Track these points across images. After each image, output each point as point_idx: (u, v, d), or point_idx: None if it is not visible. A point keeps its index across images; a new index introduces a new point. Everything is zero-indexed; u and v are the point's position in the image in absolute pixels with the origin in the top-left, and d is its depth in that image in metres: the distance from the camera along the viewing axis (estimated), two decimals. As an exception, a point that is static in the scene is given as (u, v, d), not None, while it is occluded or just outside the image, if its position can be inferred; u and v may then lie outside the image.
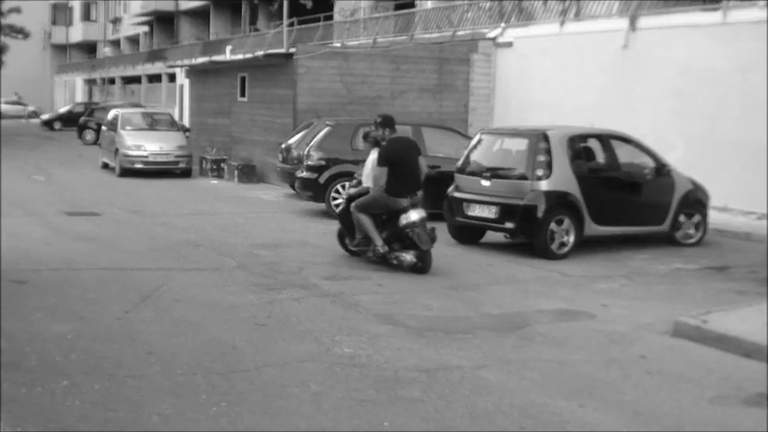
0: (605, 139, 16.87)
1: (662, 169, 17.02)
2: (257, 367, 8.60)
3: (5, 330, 9.62)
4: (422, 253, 13.97)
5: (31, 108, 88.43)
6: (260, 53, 35.90)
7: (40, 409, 7.25)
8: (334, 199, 20.30)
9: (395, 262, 14.16)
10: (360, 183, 15.23)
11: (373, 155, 14.79)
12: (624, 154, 16.85)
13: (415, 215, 14.00)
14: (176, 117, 44.36)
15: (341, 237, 15.33)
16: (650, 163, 16.99)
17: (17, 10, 57.47)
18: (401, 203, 14.16)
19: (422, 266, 13.94)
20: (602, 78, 25.12)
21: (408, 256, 14.01)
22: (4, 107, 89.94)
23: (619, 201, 16.42)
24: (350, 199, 14.96)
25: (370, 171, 14.77)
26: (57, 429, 6.83)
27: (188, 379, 8.17)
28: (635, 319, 11.13)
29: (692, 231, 17.30)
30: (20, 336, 9.47)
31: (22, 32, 58.84)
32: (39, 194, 24.13)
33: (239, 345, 9.43)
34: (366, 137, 15.51)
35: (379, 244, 14.21)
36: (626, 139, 17.22)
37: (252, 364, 8.69)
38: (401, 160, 14.31)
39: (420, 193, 14.46)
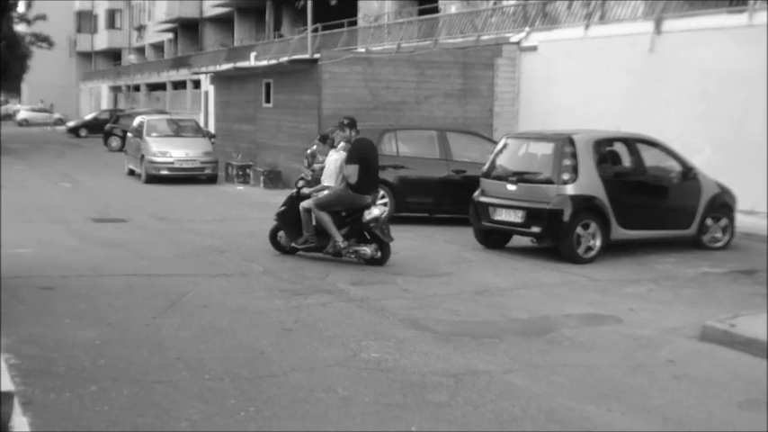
0: (631, 142, 16.84)
1: (688, 173, 16.96)
2: (285, 372, 8.62)
3: (34, 336, 9.69)
4: (382, 246, 14.81)
5: (57, 115, 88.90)
6: (284, 59, 35.98)
7: (68, 414, 7.28)
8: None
9: (352, 256, 14.95)
10: (307, 182, 15.75)
11: (334, 155, 15.43)
12: (650, 157, 16.82)
13: (377, 211, 14.83)
14: (201, 123, 44.49)
15: (273, 235, 15.85)
16: (677, 166, 16.93)
17: (43, 17, 57.82)
18: (366, 200, 14.87)
19: (380, 258, 14.86)
20: (628, 82, 25.05)
21: (369, 249, 14.81)
22: (31, 114, 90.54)
23: (645, 204, 16.37)
24: (295, 199, 15.43)
25: (333, 170, 15.31)
26: (86, 435, 6.88)
27: (216, 384, 8.19)
28: (662, 323, 11.09)
29: (719, 235, 17.24)
30: (48, 342, 9.51)
31: (47, 41, 59.20)
32: (65, 201, 24.26)
33: (267, 350, 9.46)
34: (325, 139, 16.20)
35: (340, 240, 14.82)
36: (652, 143, 17.18)
37: (279, 369, 8.71)
38: (369, 159, 14.96)
39: (379, 191, 15.22)
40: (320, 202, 14.92)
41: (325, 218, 14.83)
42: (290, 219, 15.46)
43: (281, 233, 15.75)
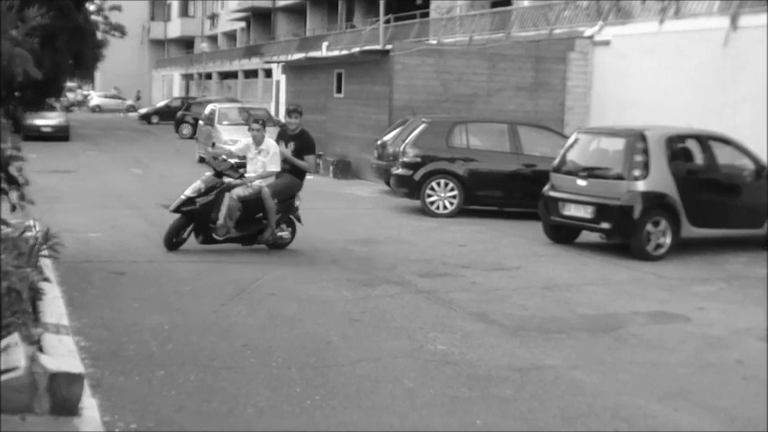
0: (704, 139, 16.64)
1: (762, 171, 16.73)
2: (351, 362, 8.66)
3: (105, 320, 9.81)
4: (294, 230, 15.27)
5: (129, 102, 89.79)
6: (356, 50, 35.99)
7: (137, 397, 7.37)
8: (429, 196, 20.32)
9: (273, 240, 14.91)
10: (232, 166, 15.01)
11: (270, 140, 15.18)
12: (723, 155, 16.60)
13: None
14: (272, 112, 44.66)
15: (175, 233, 14.53)
16: (750, 165, 16.72)
17: (118, 8, 58.51)
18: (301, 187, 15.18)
19: (291, 240, 15.21)
20: (702, 78, 24.75)
21: (289, 234, 15.21)
22: (103, 100, 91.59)
23: (717, 203, 16.18)
24: (222, 187, 14.57)
25: (280, 156, 14.92)
26: (153, 418, 6.94)
27: (283, 372, 8.24)
28: (732, 323, 10.98)
29: (792, 235, 17.00)
30: (118, 326, 9.64)
31: (119, 30, 59.76)
32: (137, 187, 24.51)
33: (333, 339, 9.50)
34: (264, 123, 15.49)
35: (276, 227, 14.86)
36: (725, 140, 16.96)
37: (346, 359, 8.75)
38: None
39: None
40: (278, 191, 14.77)
41: (275, 206, 14.67)
42: (205, 210, 14.40)
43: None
